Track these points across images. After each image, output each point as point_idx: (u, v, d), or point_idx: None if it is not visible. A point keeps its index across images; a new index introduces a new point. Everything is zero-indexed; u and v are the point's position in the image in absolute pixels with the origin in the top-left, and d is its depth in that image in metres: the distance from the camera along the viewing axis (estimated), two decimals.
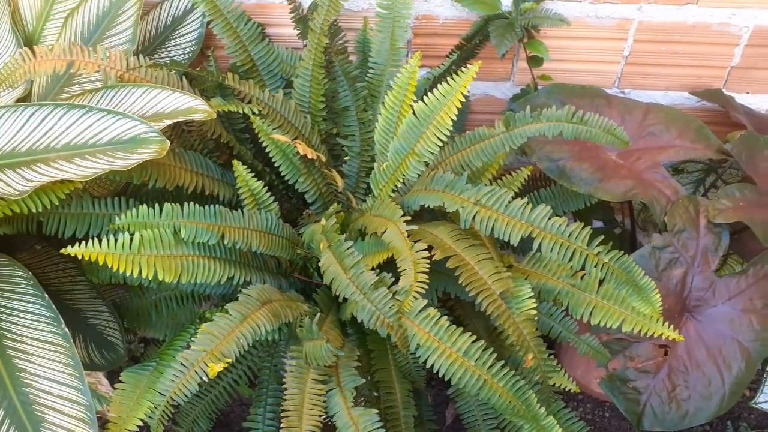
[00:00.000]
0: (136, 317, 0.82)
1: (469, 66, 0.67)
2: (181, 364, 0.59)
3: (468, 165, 0.73)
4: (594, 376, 0.85)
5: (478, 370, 0.57)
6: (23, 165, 0.64)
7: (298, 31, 0.95)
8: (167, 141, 0.65)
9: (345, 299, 0.74)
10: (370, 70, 0.87)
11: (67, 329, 0.64)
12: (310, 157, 0.74)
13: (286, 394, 0.63)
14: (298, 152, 0.81)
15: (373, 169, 0.84)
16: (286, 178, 0.85)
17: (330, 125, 0.90)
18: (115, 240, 0.64)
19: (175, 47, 0.93)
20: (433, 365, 0.58)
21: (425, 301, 0.60)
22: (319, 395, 0.63)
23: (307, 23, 0.94)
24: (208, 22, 0.89)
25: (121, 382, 0.68)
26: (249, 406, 0.78)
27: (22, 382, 0.61)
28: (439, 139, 0.68)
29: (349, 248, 0.63)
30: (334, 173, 0.78)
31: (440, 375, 0.58)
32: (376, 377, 0.69)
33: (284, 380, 0.79)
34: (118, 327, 0.79)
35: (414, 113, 0.69)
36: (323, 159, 0.77)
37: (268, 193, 0.80)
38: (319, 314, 0.67)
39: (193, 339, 0.65)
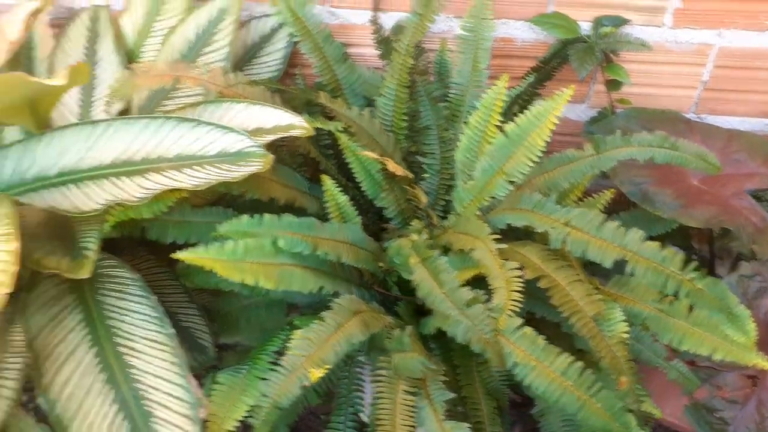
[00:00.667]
0: (224, 322, 0.85)
1: (563, 90, 0.69)
2: (284, 368, 0.62)
3: (554, 186, 0.74)
4: (667, 404, 0.85)
5: (576, 390, 0.58)
6: (138, 173, 0.68)
7: (379, 52, 0.98)
8: (270, 155, 0.69)
9: (425, 313, 0.76)
10: (452, 91, 0.90)
11: (173, 329, 0.67)
12: (399, 174, 0.77)
13: (378, 404, 0.65)
14: (380, 169, 0.84)
15: (451, 186, 0.87)
16: (366, 194, 0.87)
17: (410, 143, 0.92)
18: (223, 246, 0.67)
19: (262, 65, 0.97)
20: (530, 384, 0.59)
21: (521, 320, 0.62)
22: (411, 406, 0.65)
23: (389, 44, 0.98)
24: (296, 42, 0.92)
25: (217, 383, 0.71)
26: (317, 416, 0.80)
27: (132, 378, 0.65)
28: (530, 159, 0.69)
29: (444, 264, 0.65)
30: (418, 190, 0.81)
31: (537, 393, 0.59)
32: (462, 393, 0.70)
33: (363, 390, 0.82)
34: (208, 330, 0.82)
35: (505, 133, 0.71)
36: (410, 176, 0.80)
37: (353, 207, 0.83)
38: (409, 327, 0.69)
39: (287, 344, 0.68)
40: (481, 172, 0.73)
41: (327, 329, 0.67)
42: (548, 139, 0.68)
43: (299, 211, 0.85)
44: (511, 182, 0.71)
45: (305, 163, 0.90)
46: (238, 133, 0.69)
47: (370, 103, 0.96)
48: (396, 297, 0.85)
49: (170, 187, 0.65)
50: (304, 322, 0.77)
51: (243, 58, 0.98)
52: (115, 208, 0.67)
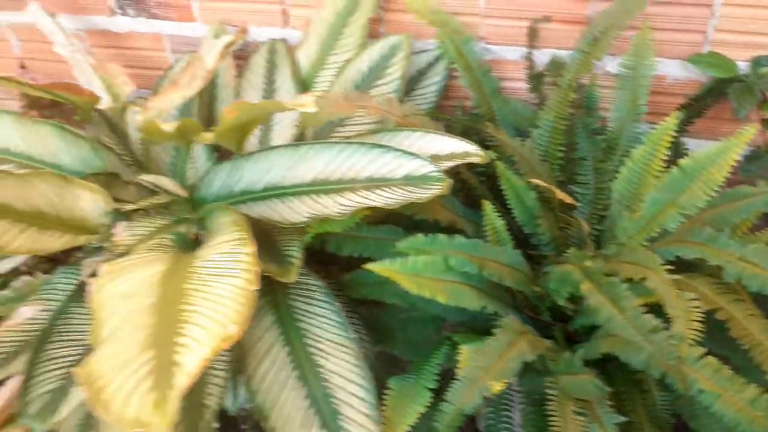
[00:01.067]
0: (382, 333, 0.90)
1: (746, 128, 0.71)
2: (465, 378, 0.66)
3: (725, 221, 0.76)
4: None
5: (766, 420, 0.59)
6: (335, 191, 0.75)
7: (529, 86, 1.03)
8: (449, 180, 0.75)
9: (574, 340, 0.79)
10: (610, 125, 0.93)
11: (354, 334, 0.74)
12: (567, 201, 0.80)
13: (551, 423, 0.68)
14: (535, 197, 0.88)
15: (603, 216, 0.89)
16: (518, 220, 0.91)
17: (561, 173, 0.96)
18: (405, 262, 0.73)
19: (419, 96, 1.04)
20: (716, 411, 0.61)
21: (703, 349, 0.63)
22: (582, 427, 0.67)
23: (540, 79, 1.03)
24: (456, 76, 0.99)
25: (389, 389, 0.76)
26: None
27: (320, 377, 0.71)
28: (707, 194, 0.71)
29: (624, 290, 0.68)
30: (581, 220, 0.84)
31: (724, 421, 0.60)
32: (628, 417, 0.72)
33: (512, 411, 0.85)
34: (369, 339, 0.88)
35: (680, 167, 0.73)
36: (575, 204, 0.83)
37: (508, 232, 0.87)
38: (580, 350, 0.72)
39: (455, 358, 0.73)
40: (650, 204, 0.75)
41: (500, 345, 0.71)
42: (727, 176, 0.70)
43: (458, 233, 0.90)
44: (684, 215, 0.73)
45: (462, 188, 0.96)
46: (422, 159, 0.75)
47: (519, 133, 1.00)
48: (547, 322, 0.88)
49: (365, 206, 0.72)
50: (463, 339, 0.81)
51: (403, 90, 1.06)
52: (313, 221, 0.74)
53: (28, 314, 0.86)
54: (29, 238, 0.72)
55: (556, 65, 0.99)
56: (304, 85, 1.02)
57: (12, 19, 1.26)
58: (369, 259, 0.79)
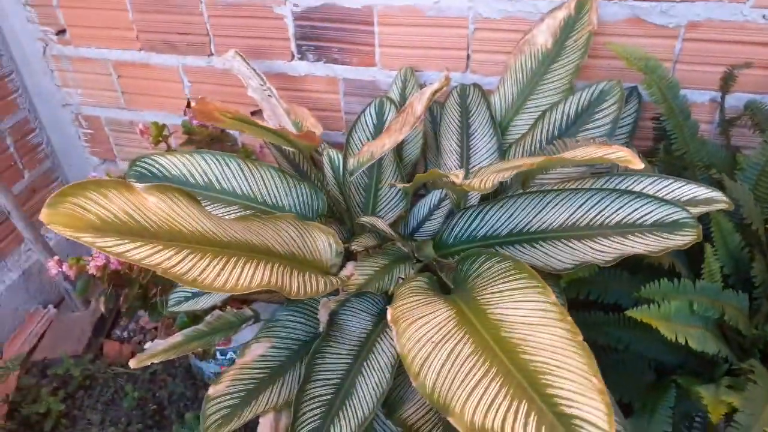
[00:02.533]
0: None
1: None
2: (740, 425, 0.67)
3: None
4: None
5: None
6: (584, 237, 0.77)
7: (719, 129, 1.04)
8: (700, 226, 0.76)
9: None
10: None
11: None
12: None
13: None
14: (739, 242, 0.89)
15: None
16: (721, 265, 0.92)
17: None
18: (659, 308, 0.75)
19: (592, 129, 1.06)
20: None
21: None
22: None
23: (729, 122, 1.04)
24: (662, 120, 1.00)
25: None
26: None
27: None
28: None
29: None
30: None
31: None
32: None
33: None
34: None
35: None
36: None
37: (721, 275, 0.88)
38: None
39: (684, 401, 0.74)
40: None
41: (762, 392, 0.72)
42: None
43: (677, 276, 0.91)
44: None
45: None
46: (674, 205, 0.77)
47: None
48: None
49: (627, 253, 0.74)
50: (687, 382, 0.82)
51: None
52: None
53: (259, 351, 0.91)
54: (301, 281, 0.76)
55: (753, 108, 1.01)
56: (500, 128, 1.05)
57: (189, 62, 1.33)
58: (598, 301, 0.81)
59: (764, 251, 0.93)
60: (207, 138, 1.28)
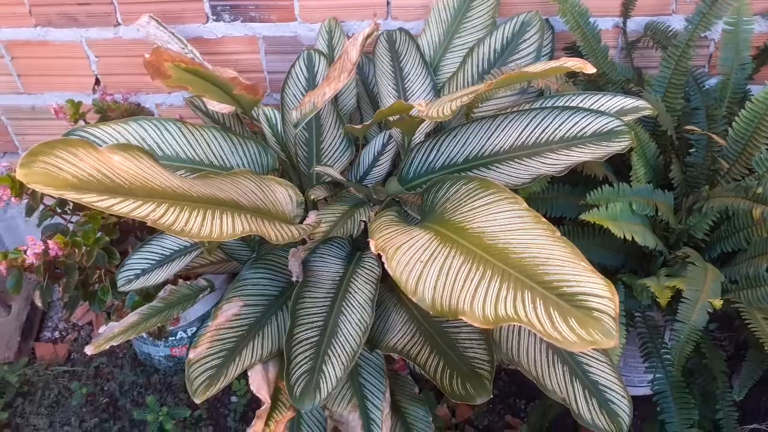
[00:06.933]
0: None
1: None
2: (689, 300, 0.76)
3: None
4: None
5: None
6: (534, 154, 0.83)
7: (623, 52, 1.14)
8: (632, 132, 0.84)
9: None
10: (717, 75, 1.05)
11: None
12: (721, 144, 0.92)
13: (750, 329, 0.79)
14: (654, 150, 0.99)
15: (715, 159, 1.01)
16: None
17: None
18: (607, 210, 0.82)
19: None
20: None
21: None
22: None
23: (632, 44, 1.14)
24: (578, 46, 1.07)
25: None
26: None
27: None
28: None
29: None
30: (721, 160, 0.95)
31: None
32: None
33: None
34: None
35: None
36: (722, 143, 0.94)
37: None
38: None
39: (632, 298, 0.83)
40: None
41: (700, 272, 0.82)
42: None
43: (609, 184, 1.00)
44: None
45: None
46: (608, 116, 0.84)
47: (625, 92, 1.11)
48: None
49: (575, 162, 0.80)
50: (630, 279, 0.92)
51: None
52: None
53: (233, 311, 0.90)
54: (276, 229, 0.76)
55: (652, 29, 1.11)
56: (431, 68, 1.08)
57: (92, 35, 1.25)
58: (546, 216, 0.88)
59: (678, 154, 1.04)
60: (123, 114, 1.21)
